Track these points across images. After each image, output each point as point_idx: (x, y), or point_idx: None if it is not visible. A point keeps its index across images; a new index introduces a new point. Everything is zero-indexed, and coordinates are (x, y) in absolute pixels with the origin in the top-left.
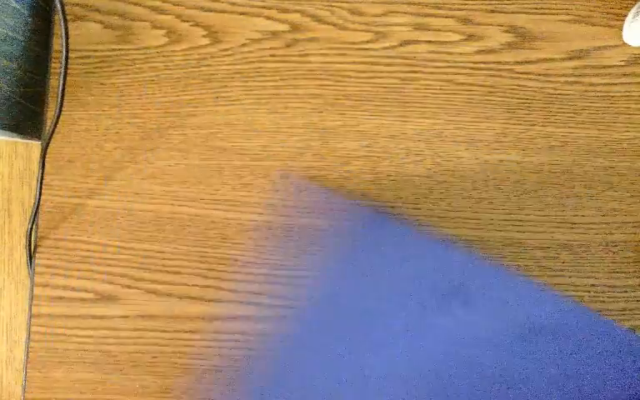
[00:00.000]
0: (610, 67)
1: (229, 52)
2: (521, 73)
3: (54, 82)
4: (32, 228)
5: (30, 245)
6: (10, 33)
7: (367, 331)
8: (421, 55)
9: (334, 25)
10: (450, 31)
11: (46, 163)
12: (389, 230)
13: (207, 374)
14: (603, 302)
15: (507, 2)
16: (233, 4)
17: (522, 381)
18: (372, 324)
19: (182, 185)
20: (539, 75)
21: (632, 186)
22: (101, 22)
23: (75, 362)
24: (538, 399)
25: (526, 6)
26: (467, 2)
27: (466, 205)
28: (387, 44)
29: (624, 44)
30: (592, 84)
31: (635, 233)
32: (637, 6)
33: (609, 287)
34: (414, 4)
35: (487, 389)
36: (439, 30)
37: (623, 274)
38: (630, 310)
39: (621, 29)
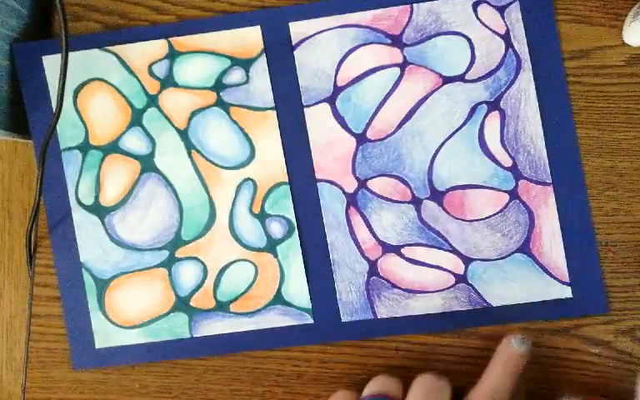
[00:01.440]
0: (610, 67)
1: None
2: None
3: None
4: (32, 228)
5: (30, 245)
6: (10, 33)
7: None
8: None
9: None
10: None
11: (45, 164)
12: None
13: (207, 374)
14: None
15: None
16: (233, 4)
17: None
18: None
19: None
20: None
21: (632, 186)
22: (101, 22)
23: None
24: None
25: None
26: None
27: None
28: None
29: (624, 44)
30: (592, 84)
31: (635, 233)
32: (637, 6)
33: (609, 287)
34: None
35: None
36: None
37: (623, 274)
38: (630, 310)
39: (621, 29)
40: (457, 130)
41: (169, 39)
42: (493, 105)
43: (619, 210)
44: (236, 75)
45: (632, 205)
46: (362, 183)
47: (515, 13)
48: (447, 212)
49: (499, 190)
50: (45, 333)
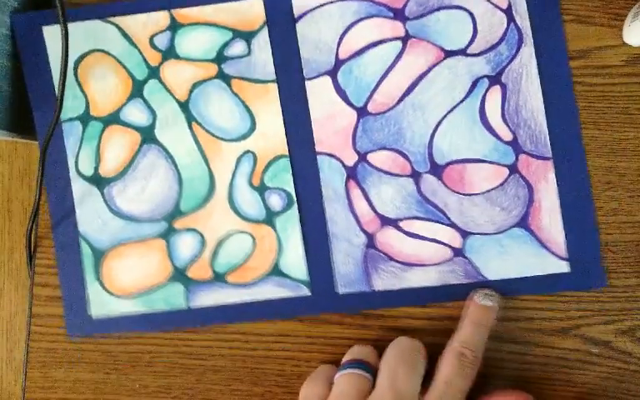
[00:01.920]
0: (610, 67)
1: None
2: None
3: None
4: (32, 228)
5: (30, 245)
6: (10, 33)
7: None
8: None
9: None
10: None
11: (45, 163)
12: None
13: (207, 374)
14: (603, 302)
15: None
16: None
17: None
18: None
19: None
20: None
21: (632, 186)
22: None
23: (75, 362)
24: None
25: None
26: None
27: None
28: None
29: (624, 44)
30: (592, 84)
31: (635, 233)
32: (637, 6)
33: (609, 287)
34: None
35: None
36: None
37: (623, 274)
38: (630, 310)
39: (621, 29)
40: (458, 104)
41: (171, 11)
42: (495, 79)
43: (619, 210)
44: (237, 47)
45: (632, 205)
46: (362, 157)
47: None
48: (446, 186)
49: (499, 164)
50: (45, 333)
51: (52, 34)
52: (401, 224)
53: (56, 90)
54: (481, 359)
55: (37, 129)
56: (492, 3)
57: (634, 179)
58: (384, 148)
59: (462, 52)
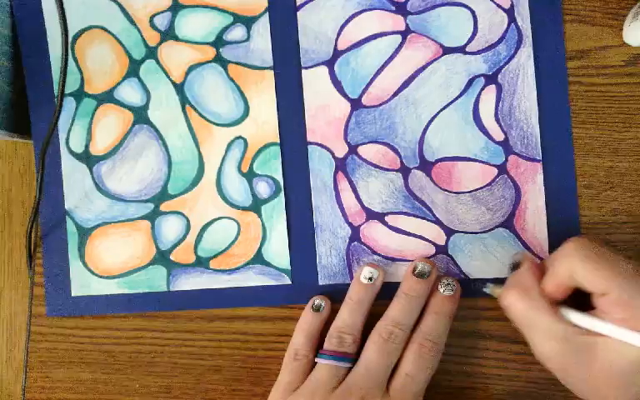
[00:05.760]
0: (610, 67)
1: None
2: None
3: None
4: (32, 228)
5: (30, 245)
6: (9, 33)
7: None
8: None
9: None
10: None
11: (45, 163)
12: None
13: (207, 374)
14: None
15: None
16: None
17: None
18: None
19: None
20: None
21: (632, 186)
22: None
23: (75, 362)
24: None
25: None
26: None
27: None
28: None
29: (624, 44)
30: (592, 84)
31: (635, 233)
32: (637, 6)
33: None
34: None
35: None
36: None
37: None
38: None
39: (621, 29)
40: (452, 101)
41: None
42: (491, 79)
43: (619, 210)
44: (237, 32)
45: (632, 205)
46: (353, 149)
47: None
48: (434, 183)
49: (488, 164)
50: (45, 333)
51: (50, 6)
52: (386, 218)
53: (52, 65)
54: (442, 349)
55: (31, 107)
56: (495, 2)
57: (634, 179)
58: (375, 142)
59: (461, 49)
